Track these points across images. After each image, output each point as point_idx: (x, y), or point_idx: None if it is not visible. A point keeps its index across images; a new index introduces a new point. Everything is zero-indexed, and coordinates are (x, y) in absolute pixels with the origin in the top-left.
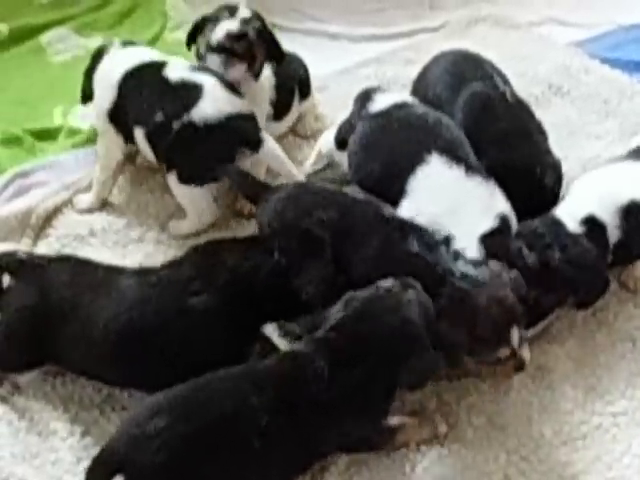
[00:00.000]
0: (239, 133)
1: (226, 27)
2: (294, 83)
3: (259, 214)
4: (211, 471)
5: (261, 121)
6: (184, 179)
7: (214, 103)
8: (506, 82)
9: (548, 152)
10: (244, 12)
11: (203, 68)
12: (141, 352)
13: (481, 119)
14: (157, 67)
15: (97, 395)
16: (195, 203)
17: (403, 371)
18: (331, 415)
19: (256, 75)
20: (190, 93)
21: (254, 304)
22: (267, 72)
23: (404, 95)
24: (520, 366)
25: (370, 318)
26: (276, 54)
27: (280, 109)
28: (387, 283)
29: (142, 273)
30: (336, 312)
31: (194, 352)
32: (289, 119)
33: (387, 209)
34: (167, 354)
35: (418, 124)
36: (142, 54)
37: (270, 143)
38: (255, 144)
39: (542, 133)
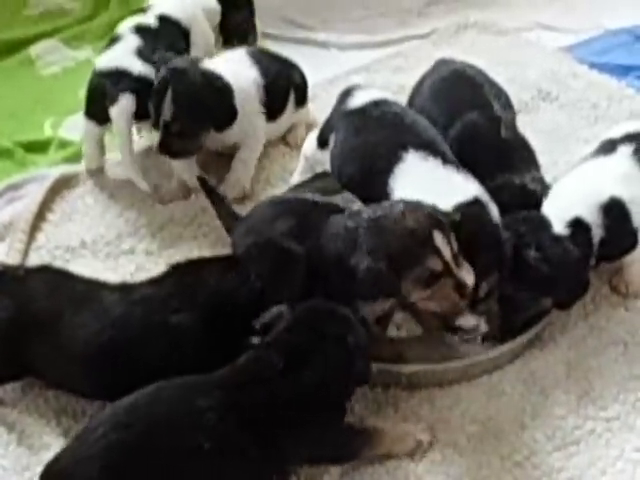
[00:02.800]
0: (103, 85)
1: (156, 140)
2: (289, 85)
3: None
4: (157, 475)
5: (257, 112)
6: None
7: (114, 55)
8: (506, 105)
9: (530, 171)
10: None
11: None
12: (121, 369)
13: (468, 154)
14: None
15: (90, 407)
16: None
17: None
18: (286, 414)
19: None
20: (115, 42)
21: (235, 322)
22: (254, 74)
23: (384, 92)
24: (461, 288)
25: (320, 315)
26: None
27: (272, 109)
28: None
29: (123, 289)
30: (285, 315)
31: (175, 368)
32: (284, 121)
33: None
34: (148, 371)
35: (394, 122)
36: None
37: (122, 107)
38: (111, 99)
39: (532, 165)
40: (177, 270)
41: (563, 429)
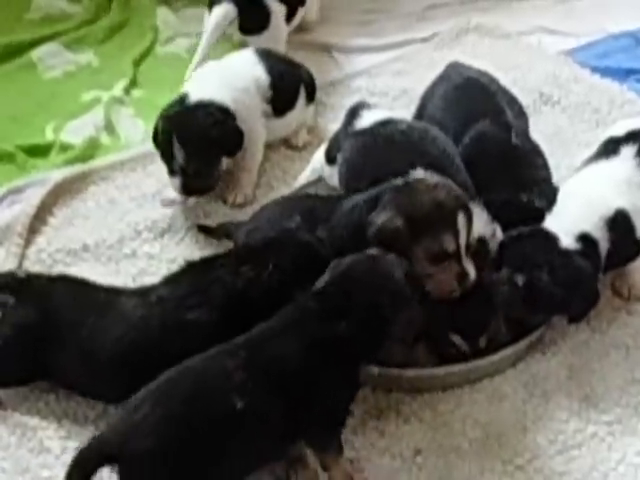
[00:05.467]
0: None
1: (175, 186)
2: (299, 81)
3: (235, 237)
4: (202, 444)
5: (256, 115)
6: None
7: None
8: (519, 114)
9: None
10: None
11: None
12: (145, 370)
13: (479, 165)
14: None
15: (92, 411)
16: None
17: (390, 326)
18: (310, 375)
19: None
20: None
21: (252, 316)
22: (258, 71)
23: (390, 112)
24: (463, 278)
25: (353, 277)
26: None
27: (280, 106)
28: (369, 250)
29: (142, 293)
30: (322, 279)
31: None
32: (294, 118)
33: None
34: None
35: (402, 141)
36: None
37: (220, 9)
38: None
39: (542, 174)
40: (193, 268)
41: (565, 433)
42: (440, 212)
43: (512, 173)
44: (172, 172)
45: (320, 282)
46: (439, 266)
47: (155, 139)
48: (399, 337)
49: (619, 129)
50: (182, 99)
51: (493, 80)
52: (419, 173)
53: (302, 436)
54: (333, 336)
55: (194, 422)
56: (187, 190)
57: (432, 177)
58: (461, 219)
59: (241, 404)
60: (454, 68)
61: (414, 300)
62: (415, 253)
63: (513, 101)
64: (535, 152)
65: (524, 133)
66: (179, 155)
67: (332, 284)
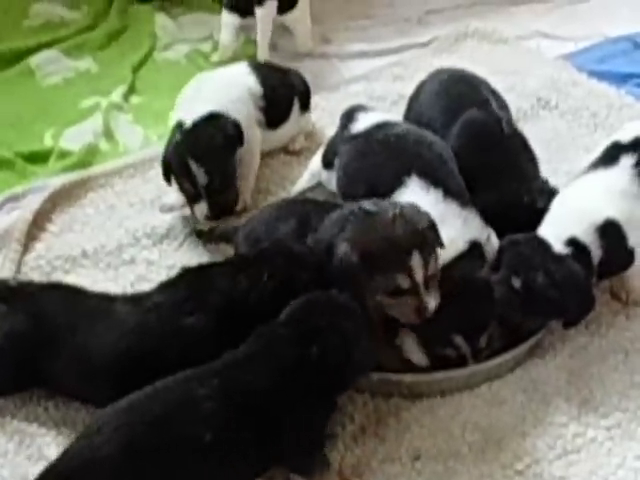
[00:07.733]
0: None
1: (201, 213)
2: (292, 93)
3: (234, 240)
4: (164, 474)
5: (251, 123)
6: None
7: None
8: (502, 106)
9: (536, 179)
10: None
11: None
12: (141, 376)
13: (473, 151)
14: None
15: (90, 418)
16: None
17: (354, 350)
18: (279, 402)
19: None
20: None
21: (249, 323)
22: (250, 82)
23: (386, 114)
24: (421, 310)
25: (317, 306)
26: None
27: (274, 117)
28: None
29: (136, 299)
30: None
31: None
32: (288, 129)
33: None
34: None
35: (398, 145)
36: None
37: (267, 8)
38: (258, 1)
39: (533, 161)
40: (189, 274)
41: (564, 437)
42: (393, 252)
43: (508, 167)
44: (195, 200)
45: (285, 312)
46: (397, 299)
47: (168, 173)
48: (360, 364)
49: (626, 133)
50: (179, 126)
51: (476, 76)
52: (413, 181)
53: (277, 461)
54: (304, 361)
55: (156, 451)
56: (216, 211)
57: (394, 207)
58: (416, 257)
59: (209, 435)
60: (438, 71)
61: (369, 331)
62: (372, 286)
63: (497, 95)
64: (525, 144)
65: (511, 124)
66: (200, 175)
67: (297, 313)
